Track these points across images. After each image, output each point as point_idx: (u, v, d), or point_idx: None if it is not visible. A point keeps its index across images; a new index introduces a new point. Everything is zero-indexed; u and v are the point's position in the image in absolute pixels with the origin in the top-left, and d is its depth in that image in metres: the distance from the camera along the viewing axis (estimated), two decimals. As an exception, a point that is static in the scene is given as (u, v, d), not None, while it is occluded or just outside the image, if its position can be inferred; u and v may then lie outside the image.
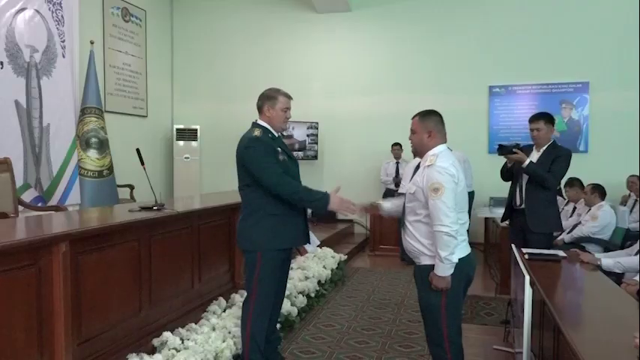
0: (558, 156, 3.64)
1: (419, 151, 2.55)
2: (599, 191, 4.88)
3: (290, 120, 3.01)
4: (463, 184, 2.42)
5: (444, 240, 2.28)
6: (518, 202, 3.80)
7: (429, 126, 2.48)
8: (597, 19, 7.11)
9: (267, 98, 2.86)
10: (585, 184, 5.15)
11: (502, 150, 3.75)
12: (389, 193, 7.04)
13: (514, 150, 3.68)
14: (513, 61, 7.46)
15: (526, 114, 7.50)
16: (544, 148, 3.72)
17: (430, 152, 2.45)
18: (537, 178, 3.61)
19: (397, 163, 7.19)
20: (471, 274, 2.50)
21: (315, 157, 8.12)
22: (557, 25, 7.27)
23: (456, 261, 2.32)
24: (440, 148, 2.46)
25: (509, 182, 3.95)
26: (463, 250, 2.39)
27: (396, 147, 7.21)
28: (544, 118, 3.74)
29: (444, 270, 2.31)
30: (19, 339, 2.23)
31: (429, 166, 2.38)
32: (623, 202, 6.13)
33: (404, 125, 8.71)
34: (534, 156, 3.73)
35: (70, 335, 2.45)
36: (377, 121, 7.96)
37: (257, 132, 2.79)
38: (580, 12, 7.19)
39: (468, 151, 6.79)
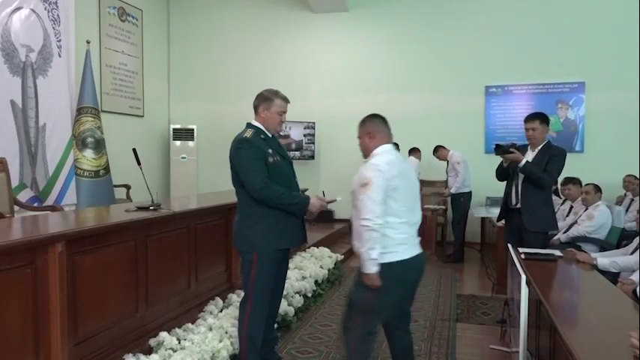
0: (553, 155, 3.67)
1: (365, 154, 2.58)
2: (600, 191, 4.91)
3: (287, 120, 3.01)
4: (408, 183, 2.40)
5: (364, 235, 2.28)
6: (514, 202, 3.82)
7: (368, 129, 2.55)
8: (593, 20, 7.14)
9: (264, 99, 2.85)
10: (582, 184, 5.17)
11: (499, 150, 3.76)
12: None
13: (510, 150, 3.69)
14: (510, 61, 7.49)
15: (522, 114, 7.51)
16: (539, 147, 3.75)
17: (373, 152, 2.50)
18: (533, 177, 3.63)
19: None
20: (411, 279, 2.43)
21: (312, 157, 8.12)
22: (554, 25, 7.29)
23: (375, 257, 2.28)
24: (382, 148, 2.50)
25: (505, 182, 3.97)
26: (403, 252, 2.34)
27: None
28: (539, 117, 3.77)
29: (367, 266, 2.30)
30: (15, 339, 2.22)
31: (363, 163, 2.44)
32: (619, 202, 6.16)
33: (401, 125, 8.75)
34: (529, 156, 3.75)
35: (66, 335, 2.44)
36: (374, 120, 7.95)
37: (248, 133, 2.78)
38: (576, 12, 7.21)
39: (465, 151, 6.81)
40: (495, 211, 6.16)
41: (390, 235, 2.33)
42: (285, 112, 2.89)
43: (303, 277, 4.57)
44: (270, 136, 2.88)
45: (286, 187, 2.81)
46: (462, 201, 6.53)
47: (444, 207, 7.12)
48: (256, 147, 2.74)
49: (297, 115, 7.70)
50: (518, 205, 3.76)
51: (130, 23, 7.74)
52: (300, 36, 8.36)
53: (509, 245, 3.38)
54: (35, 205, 5.47)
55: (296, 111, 7.75)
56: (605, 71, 7.08)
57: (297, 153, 7.93)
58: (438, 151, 6.79)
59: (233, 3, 8.60)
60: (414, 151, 6.96)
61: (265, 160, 2.73)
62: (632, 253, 3.46)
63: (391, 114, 8.19)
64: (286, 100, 2.90)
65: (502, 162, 3.87)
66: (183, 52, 8.84)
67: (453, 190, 6.56)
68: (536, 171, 3.62)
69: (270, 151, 2.78)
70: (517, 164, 3.67)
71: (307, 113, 8.06)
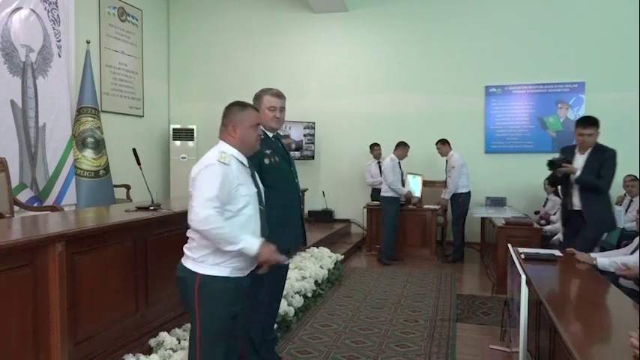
0: (606, 159, 3.78)
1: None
2: None
3: (287, 120, 2.98)
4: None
5: None
6: (572, 205, 3.90)
7: None
8: (593, 20, 7.13)
9: (255, 98, 2.84)
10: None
11: (552, 166, 3.89)
12: (376, 194, 7.02)
13: (563, 165, 3.82)
14: (510, 61, 7.48)
15: (522, 114, 7.58)
16: (588, 150, 3.82)
17: None
18: (589, 186, 3.78)
19: (378, 163, 7.29)
20: None
21: (312, 157, 8.12)
22: (554, 25, 7.29)
23: None
24: None
25: (554, 186, 4.11)
26: None
27: (376, 147, 7.30)
28: (596, 123, 3.84)
29: None
30: (15, 340, 2.22)
31: None
32: (619, 203, 6.16)
33: (400, 125, 8.68)
34: (579, 159, 3.86)
35: (66, 336, 2.45)
36: (373, 120, 7.97)
37: None
38: (576, 12, 7.21)
39: (465, 151, 6.79)
40: (495, 212, 6.17)
41: None
42: (277, 108, 2.80)
43: (303, 277, 4.57)
44: (271, 135, 2.86)
45: (285, 188, 2.80)
46: (460, 201, 6.52)
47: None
48: None
49: (296, 115, 7.72)
50: (577, 208, 3.87)
51: (129, 23, 7.73)
52: (300, 36, 8.36)
53: (509, 245, 3.38)
54: (35, 205, 5.47)
55: (296, 111, 7.81)
56: (605, 71, 7.07)
57: (297, 153, 7.93)
58: (443, 145, 6.69)
59: (233, 3, 8.60)
60: (397, 148, 6.57)
61: (261, 161, 2.69)
62: (632, 253, 3.46)
63: (391, 114, 8.25)
64: (278, 96, 2.82)
65: (555, 172, 3.96)
66: (183, 51, 8.84)
67: (446, 197, 6.57)
68: (590, 180, 3.76)
69: (267, 151, 2.74)
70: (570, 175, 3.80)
71: (307, 113, 8.07)
